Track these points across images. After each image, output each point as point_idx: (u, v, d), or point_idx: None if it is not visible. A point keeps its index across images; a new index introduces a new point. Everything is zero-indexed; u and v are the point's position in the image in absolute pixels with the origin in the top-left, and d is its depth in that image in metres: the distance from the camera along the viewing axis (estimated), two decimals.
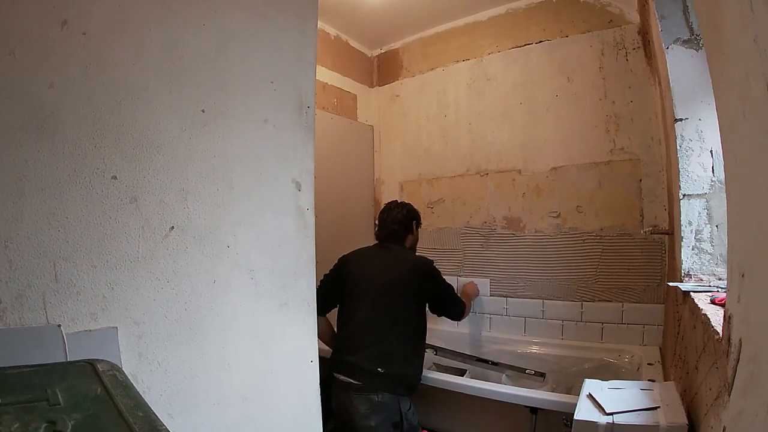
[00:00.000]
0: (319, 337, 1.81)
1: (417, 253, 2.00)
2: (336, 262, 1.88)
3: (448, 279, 2.60)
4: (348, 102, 2.81)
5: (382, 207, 2.04)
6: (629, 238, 2.08)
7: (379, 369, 1.58)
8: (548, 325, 2.28)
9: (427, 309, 1.83)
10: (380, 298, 1.71)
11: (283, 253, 1.00)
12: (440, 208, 2.71)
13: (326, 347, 1.78)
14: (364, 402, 1.56)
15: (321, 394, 1.07)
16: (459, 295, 2.02)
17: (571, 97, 2.25)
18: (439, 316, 1.91)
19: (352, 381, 1.60)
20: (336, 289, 1.80)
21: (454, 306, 1.92)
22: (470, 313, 2.58)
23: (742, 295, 0.57)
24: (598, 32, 2.17)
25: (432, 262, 1.86)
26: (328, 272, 1.85)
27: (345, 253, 1.90)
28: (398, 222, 1.92)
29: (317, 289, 1.72)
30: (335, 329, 1.82)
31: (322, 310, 1.78)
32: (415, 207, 2.04)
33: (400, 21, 2.67)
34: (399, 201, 2.03)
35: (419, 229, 2.03)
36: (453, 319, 1.97)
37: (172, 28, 0.82)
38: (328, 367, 2.03)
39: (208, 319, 0.86)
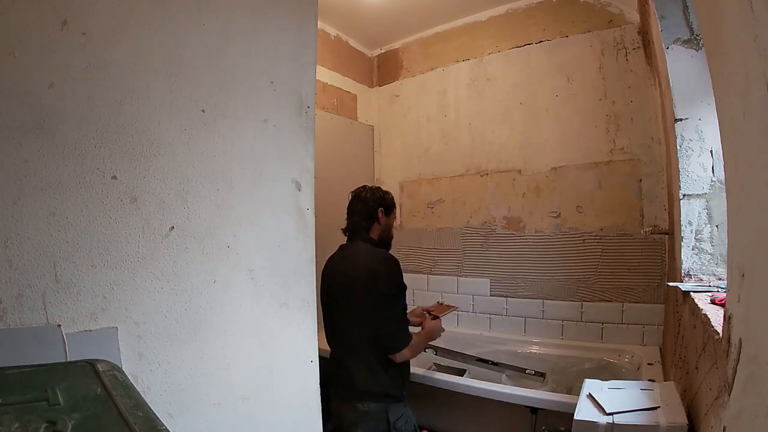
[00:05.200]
0: None
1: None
2: None
3: (448, 279, 2.67)
4: (348, 102, 2.81)
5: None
6: (629, 238, 2.08)
7: (353, 384, 1.53)
8: (548, 325, 2.28)
9: None
10: (341, 310, 1.59)
11: (283, 253, 1.00)
12: (440, 208, 2.71)
13: (327, 347, 1.77)
14: (351, 409, 1.52)
15: (321, 394, 1.07)
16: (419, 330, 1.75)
17: (571, 97, 2.25)
18: (373, 334, 1.54)
19: (339, 390, 1.57)
20: (322, 301, 1.68)
21: (390, 326, 1.52)
22: (472, 314, 2.55)
23: (742, 295, 0.57)
24: (598, 32, 2.17)
25: (390, 261, 1.57)
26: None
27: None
28: (359, 213, 1.68)
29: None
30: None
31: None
32: (388, 193, 1.75)
33: (400, 21, 2.67)
34: (367, 186, 1.76)
35: (391, 215, 1.74)
36: (384, 347, 1.52)
37: (172, 28, 0.82)
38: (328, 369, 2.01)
39: (208, 319, 0.86)
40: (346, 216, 1.75)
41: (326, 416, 1.12)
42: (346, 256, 1.66)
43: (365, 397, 1.51)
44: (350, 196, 1.75)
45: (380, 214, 1.69)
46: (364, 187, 1.76)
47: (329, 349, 1.68)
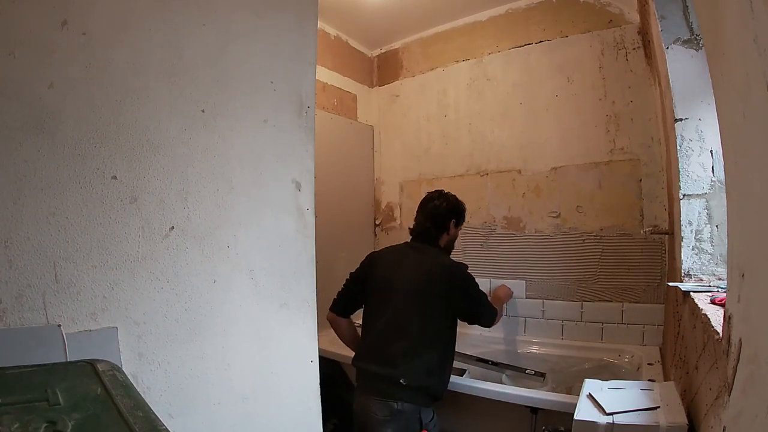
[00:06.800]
0: (343, 341, 1.78)
1: (452, 257, 1.80)
2: (363, 259, 1.77)
3: None
4: (348, 102, 2.81)
5: (424, 196, 1.81)
6: (629, 238, 2.07)
7: (401, 381, 1.50)
8: (548, 325, 2.28)
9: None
10: (407, 306, 1.59)
11: (283, 253, 1.00)
12: None
13: (326, 348, 1.77)
14: (382, 408, 1.50)
15: (321, 394, 1.07)
16: (490, 300, 1.91)
17: (571, 97, 2.25)
18: (470, 324, 1.76)
19: (372, 387, 1.54)
20: (362, 290, 1.70)
21: (486, 315, 1.75)
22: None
23: (742, 295, 0.57)
24: (598, 32, 2.16)
25: (465, 268, 1.70)
26: (354, 270, 1.75)
27: (375, 250, 1.76)
28: (431, 219, 1.72)
29: (343, 287, 1.74)
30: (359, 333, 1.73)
31: (345, 310, 1.73)
32: (462, 204, 1.80)
33: (400, 21, 2.67)
34: (443, 192, 1.80)
35: (460, 228, 1.82)
36: (484, 326, 1.82)
37: (172, 28, 0.82)
38: (338, 370, 2.00)
39: (208, 319, 0.86)
40: (415, 213, 1.79)
41: (326, 416, 1.12)
42: (420, 258, 1.67)
43: (404, 396, 1.50)
44: (425, 196, 1.80)
45: (451, 225, 1.75)
46: (440, 192, 1.80)
47: (364, 341, 1.68)
